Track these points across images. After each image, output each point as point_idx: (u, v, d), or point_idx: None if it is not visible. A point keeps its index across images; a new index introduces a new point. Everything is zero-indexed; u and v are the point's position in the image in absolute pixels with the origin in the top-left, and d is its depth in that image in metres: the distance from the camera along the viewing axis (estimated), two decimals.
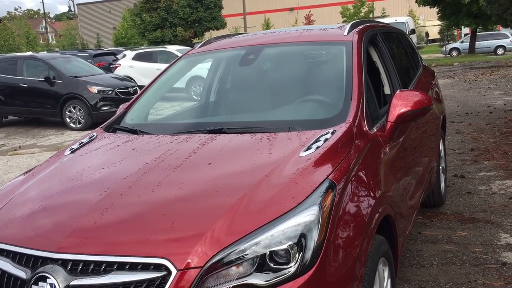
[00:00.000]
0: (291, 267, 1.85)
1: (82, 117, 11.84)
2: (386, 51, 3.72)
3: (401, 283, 3.50)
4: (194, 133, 2.87)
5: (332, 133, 2.55)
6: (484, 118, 9.60)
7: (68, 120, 11.96)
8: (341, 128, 2.59)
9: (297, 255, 1.87)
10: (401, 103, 2.88)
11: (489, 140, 7.69)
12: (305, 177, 2.17)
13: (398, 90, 3.01)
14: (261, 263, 1.85)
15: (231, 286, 1.80)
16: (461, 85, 15.50)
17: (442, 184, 5.00)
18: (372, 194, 2.42)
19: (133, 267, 1.83)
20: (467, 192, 5.38)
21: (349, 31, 3.38)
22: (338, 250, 2.01)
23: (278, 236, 1.89)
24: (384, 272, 2.52)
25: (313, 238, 1.92)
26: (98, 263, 1.86)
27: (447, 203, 5.07)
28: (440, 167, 4.94)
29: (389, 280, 2.61)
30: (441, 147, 4.98)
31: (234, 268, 1.84)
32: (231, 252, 1.85)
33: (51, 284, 1.84)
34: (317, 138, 2.50)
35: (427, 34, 49.68)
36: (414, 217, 3.62)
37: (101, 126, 3.35)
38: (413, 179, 3.44)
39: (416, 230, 4.42)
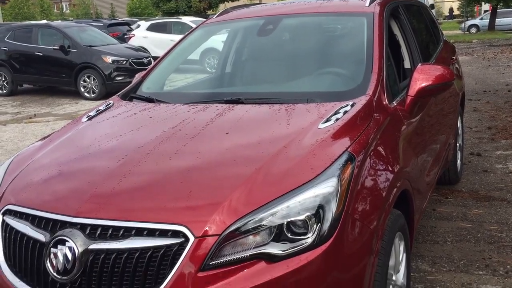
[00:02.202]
0: (308, 238, 1.85)
1: (96, 86, 11.85)
2: (407, 24, 3.64)
3: (415, 258, 3.49)
4: (211, 103, 2.84)
5: (352, 105, 2.51)
6: (502, 97, 9.44)
7: (82, 89, 11.98)
8: (361, 101, 2.55)
9: (314, 226, 1.87)
10: (423, 77, 2.82)
11: (507, 119, 7.58)
12: (324, 149, 2.15)
13: (420, 64, 2.95)
14: (278, 233, 1.85)
15: (248, 254, 1.81)
16: (479, 63, 15.23)
17: (458, 161, 4.94)
18: (390, 169, 2.40)
19: (151, 233, 1.84)
20: (483, 170, 5.32)
21: (370, 3, 3.30)
22: (355, 222, 2.00)
23: (295, 206, 1.88)
24: (400, 246, 2.51)
25: (331, 210, 1.91)
26: (116, 228, 1.87)
27: (463, 181, 5.03)
28: (457, 145, 4.88)
29: (404, 254, 2.60)
30: (459, 124, 4.91)
31: (251, 237, 1.84)
32: (249, 222, 1.84)
33: (70, 248, 1.85)
34: (337, 110, 2.47)
35: (451, 10, 48.27)
36: (430, 194, 3.59)
37: (117, 94, 3.34)
38: (430, 155, 3.40)
39: (431, 207, 4.39)
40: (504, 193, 4.64)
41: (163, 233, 1.83)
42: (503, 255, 3.50)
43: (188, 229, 1.82)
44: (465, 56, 17.30)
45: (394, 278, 2.43)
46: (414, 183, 2.73)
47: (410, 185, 2.59)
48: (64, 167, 2.36)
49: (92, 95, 11.87)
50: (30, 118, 9.82)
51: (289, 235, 1.85)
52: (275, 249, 1.82)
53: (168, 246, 1.81)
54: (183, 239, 1.81)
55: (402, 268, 2.58)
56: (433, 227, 4.03)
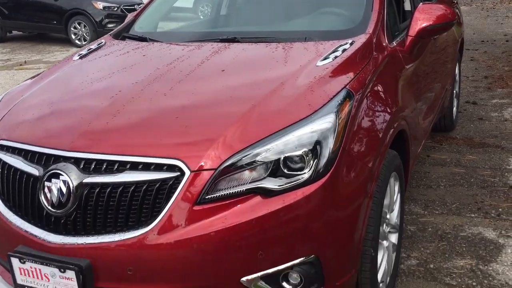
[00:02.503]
0: (305, 173, 1.83)
1: (87, 34, 11.58)
2: None
3: (408, 202, 3.53)
4: (206, 42, 2.77)
5: (351, 44, 2.45)
6: (500, 47, 9.34)
7: (73, 36, 11.72)
8: (360, 39, 2.49)
9: (311, 162, 1.85)
10: (424, 17, 2.75)
11: (504, 68, 7.52)
12: (322, 86, 2.11)
13: (421, 3, 2.88)
14: (275, 169, 1.83)
15: (244, 189, 1.79)
16: (478, 13, 14.98)
17: (454, 109, 4.92)
18: (388, 108, 2.37)
19: (146, 167, 1.81)
20: (478, 118, 5.32)
21: None
22: (352, 159, 1.99)
23: (293, 142, 1.86)
24: (395, 187, 2.52)
25: (329, 146, 1.89)
26: (110, 162, 1.84)
27: (458, 128, 5.03)
28: (454, 92, 4.84)
29: (399, 195, 2.61)
30: (456, 71, 4.86)
31: (247, 172, 1.82)
32: (245, 156, 1.82)
33: (64, 181, 1.83)
34: (335, 48, 2.41)
35: None
36: (426, 139, 3.59)
37: (109, 33, 3.25)
38: (428, 99, 3.36)
39: (425, 153, 4.40)
40: (499, 140, 4.65)
41: (158, 167, 1.81)
42: (495, 199, 3.54)
43: (184, 163, 1.79)
44: (463, 6, 16.98)
45: (388, 216, 2.44)
46: (411, 124, 2.71)
47: (407, 125, 2.57)
48: (56, 104, 2.31)
49: (83, 43, 11.62)
50: (21, 65, 9.64)
51: (285, 170, 1.84)
52: (271, 184, 1.81)
53: (164, 180, 1.79)
54: (178, 173, 1.79)
55: (396, 208, 2.60)
56: (426, 173, 4.05)
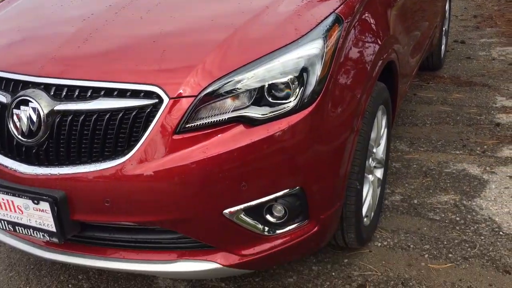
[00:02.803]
0: (290, 102, 1.74)
1: None
2: None
3: (393, 139, 3.48)
4: None
5: None
6: None
7: None
8: None
9: (297, 90, 1.75)
10: None
11: (493, 8, 7.37)
12: (310, 10, 1.98)
13: None
14: (259, 97, 1.73)
15: (226, 117, 1.70)
16: None
17: (443, 47, 4.82)
18: (378, 38, 2.26)
19: (122, 94, 1.70)
20: (466, 57, 5.23)
21: None
22: (340, 89, 1.90)
23: (277, 68, 1.75)
24: (382, 121, 2.45)
25: (316, 73, 1.79)
26: (83, 89, 1.73)
27: (445, 67, 4.95)
28: (443, 29, 4.72)
29: (386, 130, 2.55)
30: (447, 7, 4.72)
31: (229, 100, 1.72)
32: (226, 84, 1.71)
33: (33, 108, 1.72)
34: None
35: None
36: (413, 76, 3.51)
37: None
38: (418, 33, 3.25)
39: (412, 92, 4.33)
40: (486, 79, 4.59)
41: (135, 94, 1.70)
42: (480, 136, 3.51)
43: (162, 89, 1.69)
44: None
45: (374, 151, 2.39)
46: (400, 56, 2.61)
47: (396, 57, 2.48)
48: (25, 29, 2.16)
49: None
50: None
51: (270, 99, 1.74)
52: (254, 112, 1.72)
53: (141, 108, 1.69)
54: (156, 100, 1.69)
55: (383, 142, 2.54)
56: (412, 111, 4.00)
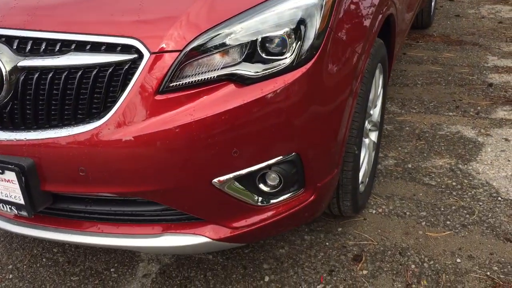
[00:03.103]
0: (286, 58, 1.55)
1: None
2: None
3: None
4: None
5: None
6: None
7: None
8: None
9: (294, 44, 1.56)
10: None
11: None
12: None
13: None
14: (251, 53, 1.54)
15: (215, 75, 1.51)
16: None
17: (433, 3, 4.64)
18: None
19: (96, 48, 1.49)
20: (455, 15, 5.07)
21: None
22: (340, 44, 1.71)
23: (272, 20, 1.55)
24: (379, 80, 2.29)
25: (314, 26, 1.60)
26: (51, 42, 1.51)
27: (434, 26, 4.78)
28: None
29: (382, 90, 2.39)
30: None
31: (218, 56, 1.53)
32: (214, 37, 1.51)
33: None
34: None
35: None
36: (406, 34, 3.33)
37: None
38: None
39: (401, 51, 4.17)
40: (476, 38, 4.45)
41: (111, 48, 1.49)
42: (473, 97, 3.39)
43: (142, 43, 1.48)
44: None
45: (371, 112, 2.23)
46: (398, 10, 2.43)
47: (395, 10, 2.29)
48: None
49: None
50: None
51: (263, 55, 1.55)
52: (247, 70, 1.52)
53: (118, 64, 1.48)
54: (136, 56, 1.48)
55: (379, 104, 2.39)
56: (403, 71, 3.85)
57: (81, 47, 1.49)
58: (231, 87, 1.51)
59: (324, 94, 1.66)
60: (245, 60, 1.53)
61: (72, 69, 1.48)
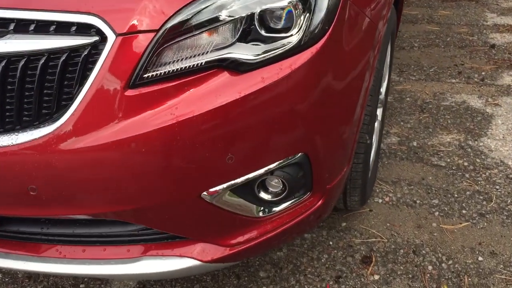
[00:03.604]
0: (292, 36, 1.21)
1: None
2: None
3: None
4: None
5: None
6: None
7: None
8: None
9: (302, 18, 1.22)
10: None
11: None
12: None
13: None
14: (248, 30, 1.19)
15: (202, 61, 1.16)
16: None
17: None
18: None
19: (42, 28, 1.12)
20: None
21: None
22: (358, 13, 1.38)
23: None
24: (388, 50, 1.96)
25: None
26: None
27: None
28: None
29: (390, 60, 2.08)
30: None
31: (205, 35, 1.17)
32: (202, 10, 1.16)
33: None
34: None
35: None
36: None
37: None
38: None
39: None
40: None
41: (63, 29, 1.12)
42: (476, 61, 3.10)
43: (105, 21, 1.11)
44: None
45: (381, 90, 1.92)
46: None
47: None
48: None
49: None
50: None
51: (263, 32, 1.20)
52: (243, 52, 1.18)
53: (73, 50, 1.12)
54: (97, 38, 1.12)
55: (386, 76, 2.07)
56: (398, 32, 3.51)
57: (23, 27, 1.12)
58: (224, 76, 1.18)
59: (339, 77, 1.33)
60: (240, 40, 1.19)
61: (12, 58, 1.11)
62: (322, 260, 1.81)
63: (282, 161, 1.29)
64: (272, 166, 1.29)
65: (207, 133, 1.16)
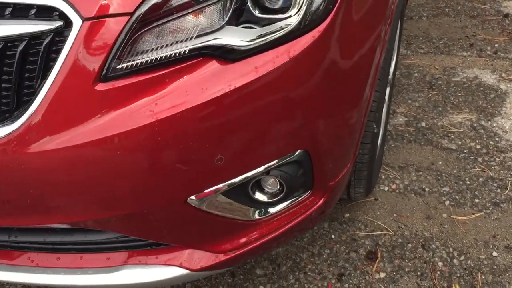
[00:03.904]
0: (290, 16, 1.04)
1: None
2: None
3: None
4: None
5: None
6: None
7: None
8: None
9: None
10: None
11: None
12: None
13: None
14: (239, 11, 1.02)
15: (186, 49, 0.99)
16: None
17: None
18: None
19: None
20: None
21: None
22: None
23: None
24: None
25: None
26: None
27: None
28: None
29: (399, 35, 1.90)
30: None
31: (190, 18, 1.00)
32: None
33: None
34: None
35: None
36: None
37: None
38: None
39: None
40: None
41: (20, 12, 0.95)
42: (489, 32, 2.90)
43: (69, 3, 0.94)
44: None
45: (390, 70, 1.75)
46: None
47: None
48: None
49: None
50: None
51: (257, 13, 1.03)
52: (233, 38, 1.01)
53: (33, 37, 0.95)
54: (60, 23, 0.95)
55: (395, 53, 1.90)
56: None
57: None
58: (211, 65, 1.01)
59: (346, 57, 1.17)
60: (230, 23, 1.02)
61: None
62: (324, 256, 1.68)
63: (278, 160, 1.14)
64: (267, 165, 1.13)
65: (192, 132, 1.01)
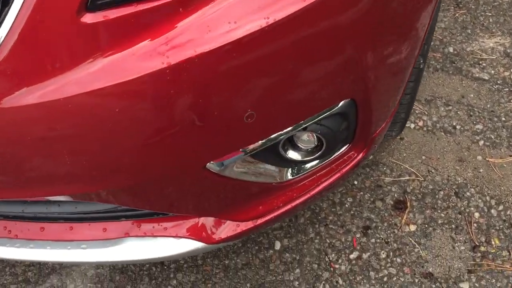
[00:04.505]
0: None
1: None
2: None
3: None
4: None
5: None
6: None
7: None
8: None
9: None
10: None
11: None
12: None
13: None
14: None
15: None
16: None
17: None
18: None
19: None
20: None
21: None
22: None
23: None
24: None
25: None
26: None
27: None
28: None
29: None
30: None
31: None
32: None
33: None
34: None
35: None
36: None
37: None
38: None
39: None
40: None
41: None
42: None
43: None
44: None
45: None
46: None
47: None
48: None
49: None
50: None
51: None
52: None
53: None
54: None
55: None
56: None
57: None
58: None
59: None
60: None
61: None
62: (346, 206, 1.48)
63: (319, 113, 0.89)
64: (305, 120, 0.89)
65: (215, 79, 0.74)
